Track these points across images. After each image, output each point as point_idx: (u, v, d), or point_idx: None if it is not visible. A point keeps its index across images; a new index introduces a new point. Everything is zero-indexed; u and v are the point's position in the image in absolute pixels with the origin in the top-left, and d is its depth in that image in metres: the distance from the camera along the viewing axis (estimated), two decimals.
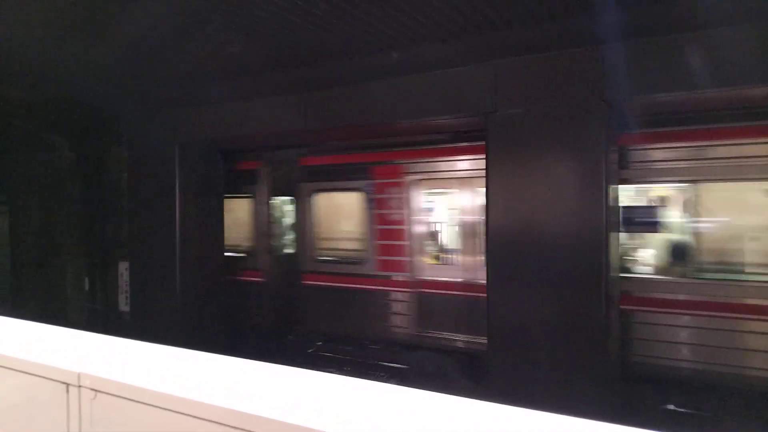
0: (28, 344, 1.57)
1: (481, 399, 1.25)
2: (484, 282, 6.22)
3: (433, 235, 8.42)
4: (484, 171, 6.12)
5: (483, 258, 7.07)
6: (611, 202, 5.62)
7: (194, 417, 1.21)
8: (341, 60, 6.32)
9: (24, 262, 11.88)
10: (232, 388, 1.25)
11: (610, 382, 5.57)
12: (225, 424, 1.16)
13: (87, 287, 10.37)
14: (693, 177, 6.12)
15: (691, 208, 6.21)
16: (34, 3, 4.93)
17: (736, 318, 5.84)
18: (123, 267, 9.60)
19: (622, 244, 6.35)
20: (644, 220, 6.42)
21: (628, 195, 6.60)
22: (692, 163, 6.11)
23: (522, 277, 5.82)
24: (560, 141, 5.69)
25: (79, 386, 1.33)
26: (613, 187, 5.77)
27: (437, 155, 7.99)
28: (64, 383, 1.35)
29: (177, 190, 8.55)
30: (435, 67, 6.30)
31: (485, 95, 6.04)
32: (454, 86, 6.28)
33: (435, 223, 8.45)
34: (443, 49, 5.82)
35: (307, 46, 5.89)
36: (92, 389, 1.31)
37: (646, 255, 6.70)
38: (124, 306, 9.63)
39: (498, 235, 5.98)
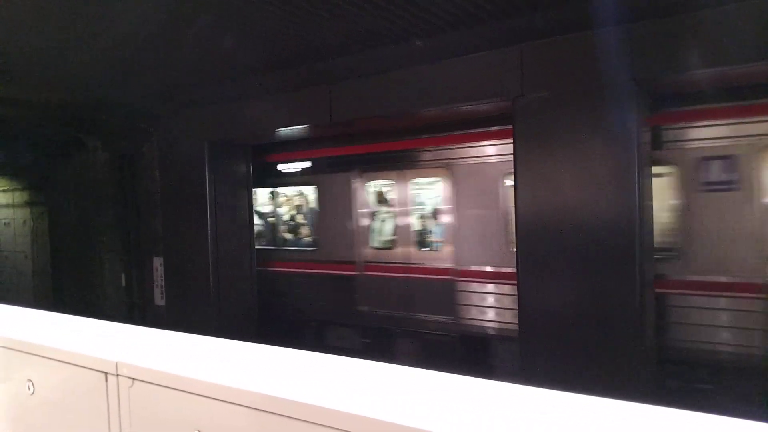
0: (69, 336, 1.62)
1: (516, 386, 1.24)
2: None
3: None
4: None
5: None
6: (644, 184, 5.48)
7: (228, 402, 1.23)
8: (364, 51, 6.30)
9: (63, 260, 12.30)
10: (266, 374, 1.27)
11: (644, 366, 5.48)
12: (259, 409, 1.18)
13: (124, 282, 10.66)
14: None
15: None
16: (67, 12, 5.05)
17: None
18: (158, 262, 9.83)
19: None
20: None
21: None
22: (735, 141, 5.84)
23: (553, 262, 5.75)
24: (590, 123, 5.57)
25: (117, 375, 1.37)
26: (646, 168, 5.62)
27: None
28: (102, 372, 1.39)
29: (207, 187, 8.70)
30: (460, 54, 6.22)
31: (512, 80, 5.94)
32: (479, 72, 6.20)
33: None
34: (468, 35, 5.74)
35: (330, 38, 5.89)
36: (129, 377, 1.35)
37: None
38: (159, 300, 9.88)
39: (527, 221, 5.90)
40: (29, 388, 1.60)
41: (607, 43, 5.38)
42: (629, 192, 5.35)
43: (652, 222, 5.91)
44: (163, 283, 9.72)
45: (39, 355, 1.57)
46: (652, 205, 5.85)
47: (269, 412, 1.14)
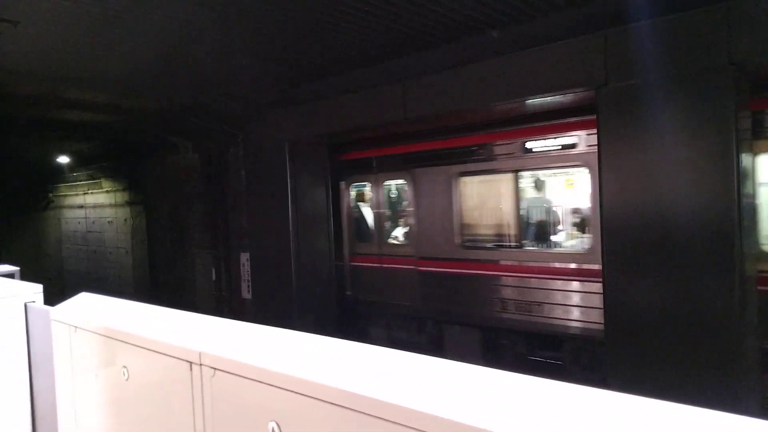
0: (160, 327, 1.72)
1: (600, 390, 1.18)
2: None
3: None
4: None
5: None
6: (744, 174, 5.04)
7: (304, 395, 1.24)
8: (439, 45, 6.25)
9: (159, 255, 13.18)
10: (344, 369, 1.27)
11: (744, 372, 5.04)
12: (335, 404, 1.19)
13: (214, 276, 11.26)
14: None
15: None
16: (160, 28, 5.40)
17: None
18: (244, 258, 10.30)
19: None
20: None
21: None
22: None
23: (641, 261, 5.42)
24: (682, 110, 5.19)
25: (201, 364, 1.43)
26: (746, 156, 5.17)
27: None
28: (187, 361, 1.47)
29: (288, 185, 9.01)
30: (538, 43, 6.01)
31: (595, 68, 5.67)
32: (559, 61, 5.96)
33: None
34: (546, 24, 5.54)
35: (404, 34, 5.89)
36: (211, 367, 1.41)
37: None
38: (246, 293, 10.35)
39: (613, 217, 5.61)
40: (124, 374, 1.73)
41: (701, 26, 4.99)
42: (727, 183, 4.93)
43: (756, 215, 5.43)
44: (249, 278, 10.17)
45: (133, 344, 1.69)
46: (754, 196, 5.37)
47: (346, 408, 1.15)
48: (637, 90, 5.41)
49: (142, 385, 1.68)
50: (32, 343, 2.51)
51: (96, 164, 15.38)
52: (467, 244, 8.13)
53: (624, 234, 5.53)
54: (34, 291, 2.59)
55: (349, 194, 9.96)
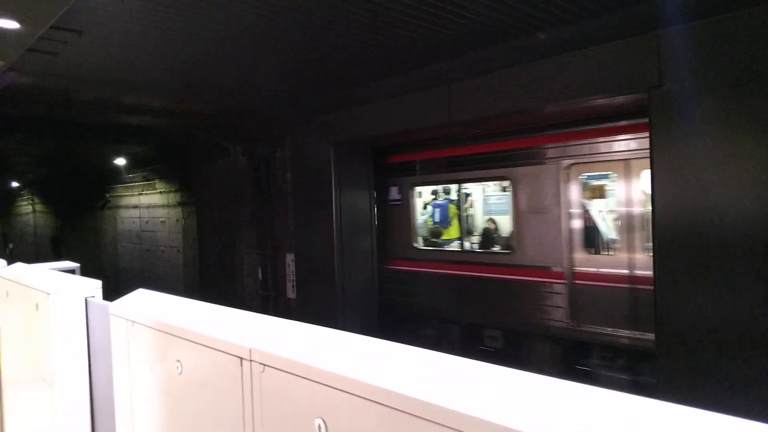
0: (211, 323, 1.78)
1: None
2: None
3: None
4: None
5: None
6: None
7: (350, 393, 1.26)
8: (485, 47, 6.20)
9: (209, 254, 13.57)
10: (390, 370, 1.28)
11: None
12: (381, 403, 1.19)
13: (260, 276, 11.51)
14: None
15: None
16: (211, 32, 5.59)
17: None
18: (289, 258, 10.49)
19: None
20: None
21: None
22: None
23: (697, 269, 5.21)
24: (743, 112, 4.97)
25: (251, 360, 1.47)
26: None
27: None
28: (238, 357, 1.51)
29: (333, 187, 9.13)
30: (587, 44, 5.89)
31: (648, 69, 5.50)
32: (609, 63, 5.81)
33: None
34: (595, 25, 5.41)
35: (449, 36, 5.88)
36: (261, 363, 1.44)
37: None
38: (291, 293, 10.52)
39: (667, 224, 5.42)
40: (177, 368, 1.79)
41: (761, 24, 4.77)
42: None
43: None
44: (294, 278, 10.35)
45: (186, 339, 1.75)
46: None
47: (391, 407, 1.16)
48: (693, 91, 5.21)
49: (195, 379, 1.74)
50: (92, 336, 2.64)
51: (150, 166, 15.98)
52: None
53: (678, 241, 5.34)
54: (94, 287, 2.72)
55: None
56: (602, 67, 5.87)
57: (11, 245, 27.01)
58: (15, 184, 24.65)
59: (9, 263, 3.83)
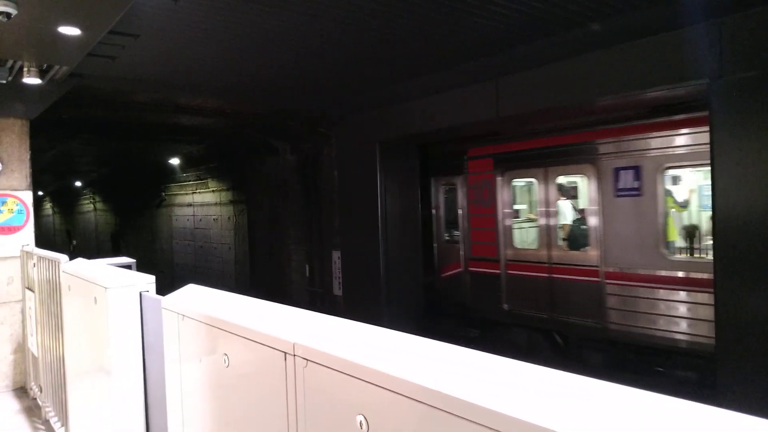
0: (257, 317, 1.81)
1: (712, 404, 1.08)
2: None
3: None
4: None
5: None
6: None
7: (391, 391, 1.25)
8: (533, 40, 6.06)
9: (259, 250, 13.89)
10: (432, 368, 1.26)
11: None
12: (421, 401, 1.18)
13: (308, 272, 11.68)
14: None
15: None
16: (261, 35, 5.70)
17: None
18: (336, 255, 10.60)
19: None
20: None
21: None
22: None
23: (760, 268, 4.93)
24: None
25: (294, 355, 1.49)
26: None
27: None
28: (282, 351, 1.53)
29: (378, 185, 9.14)
30: (641, 35, 5.65)
31: (707, 60, 5.23)
32: (666, 53, 5.56)
33: None
34: (652, 14, 5.19)
35: (497, 30, 5.78)
36: (304, 358, 1.46)
37: None
38: (337, 290, 10.63)
39: (728, 222, 5.14)
40: (225, 362, 1.83)
41: None
42: None
43: None
44: (340, 275, 10.45)
45: (233, 333, 1.79)
46: None
47: (432, 406, 1.15)
48: (757, 82, 4.92)
49: (241, 372, 1.78)
50: (146, 329, 2.74)
51: (203, 166, 16.48)
52: None
53: (741, 239, 5.06)
54: (148, 281, 2.83)
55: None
56: (659, 58, 5.62)
57: (74, 242, 28.48)
58: (78, 183, 25.97)
59: (71, 258, 4.02)
